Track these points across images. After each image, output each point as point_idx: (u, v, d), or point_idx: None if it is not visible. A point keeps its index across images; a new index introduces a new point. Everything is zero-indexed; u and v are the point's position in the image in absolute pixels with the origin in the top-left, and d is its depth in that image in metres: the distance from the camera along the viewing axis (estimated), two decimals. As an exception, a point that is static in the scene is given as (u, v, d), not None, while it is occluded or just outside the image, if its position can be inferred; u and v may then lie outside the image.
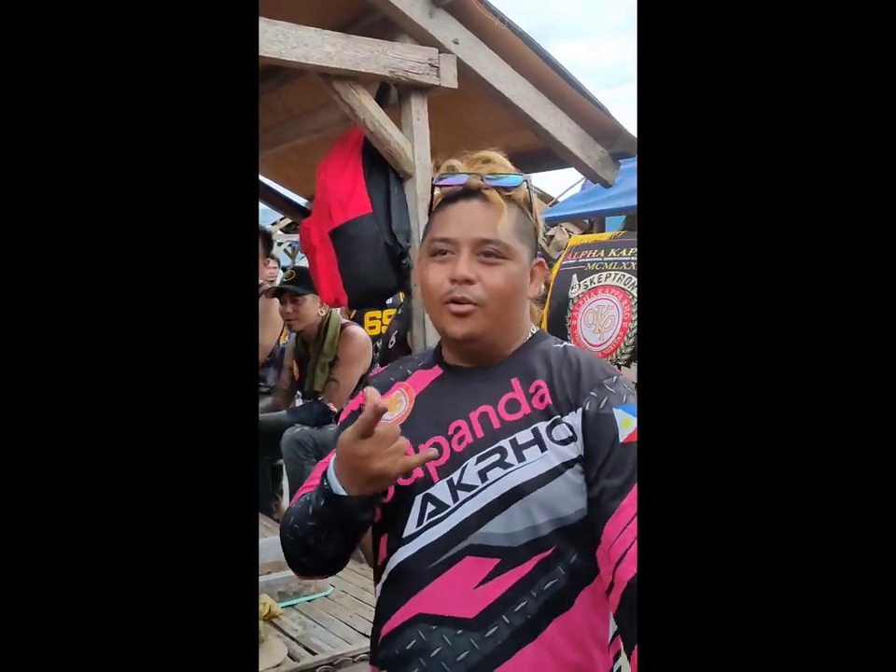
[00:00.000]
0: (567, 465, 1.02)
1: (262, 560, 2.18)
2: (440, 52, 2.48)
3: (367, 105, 2.39)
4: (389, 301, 3.75)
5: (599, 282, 4.30)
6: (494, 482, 1.02)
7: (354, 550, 1.15)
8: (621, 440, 1.02)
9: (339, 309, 3.48)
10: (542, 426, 1.05)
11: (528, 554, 1.01)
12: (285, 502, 3.93)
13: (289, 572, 2.28)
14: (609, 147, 2.98)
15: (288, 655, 1.90)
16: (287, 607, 2.17)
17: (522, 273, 1.10)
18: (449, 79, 2.49)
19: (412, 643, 1.03)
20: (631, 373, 4.13)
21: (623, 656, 1.03)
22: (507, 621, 1.00)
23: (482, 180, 1.10)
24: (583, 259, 4.47)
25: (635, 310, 4.12)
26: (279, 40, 2.16)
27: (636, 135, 2.91)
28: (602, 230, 6.00)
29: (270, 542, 2.05)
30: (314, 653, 1.91)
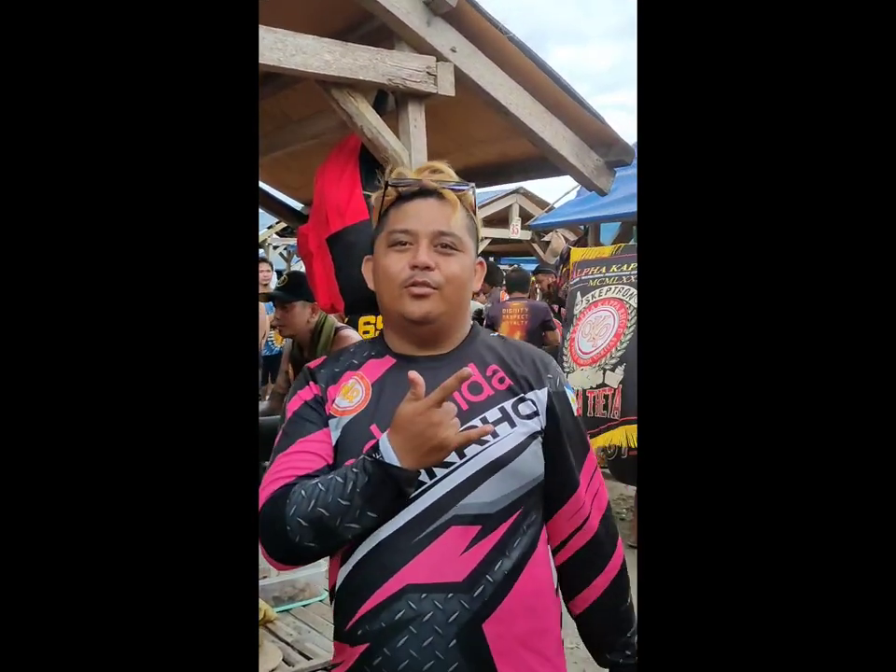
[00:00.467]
0: (533, 437, 1.18)
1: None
2: (437, 60, 2.50)
3: (364, 113, 2.40)
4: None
5: (600, 296, 4.45)
6: (472, 457, 1.14)
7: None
8: (574, 412, 1.25)
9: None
10: (508, 404, 1.19)
11: (503, 518, 1.14)
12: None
13: (285, 576, 2.29)
14: (605, 155, 2.99)
15: (283, 660, 1.90)
16: (282, 611, 2.18)
17: (471, 266, 1.24)
18: (446, 87, 2.50)
19: (401, 613, 1.10)
20: (616, 377, 4.20)
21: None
22: (490, 579, 1.11)
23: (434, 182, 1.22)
24: (586, 277, 4.62)
25: (630, 318, 4.18)
26: (278, 48, 2.17)
27: (631, 143, 2.92)
28: (597, 236, 6.03)
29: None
30: (308, 658, 1.92)
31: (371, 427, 1.17)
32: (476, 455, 1.13)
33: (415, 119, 2.51)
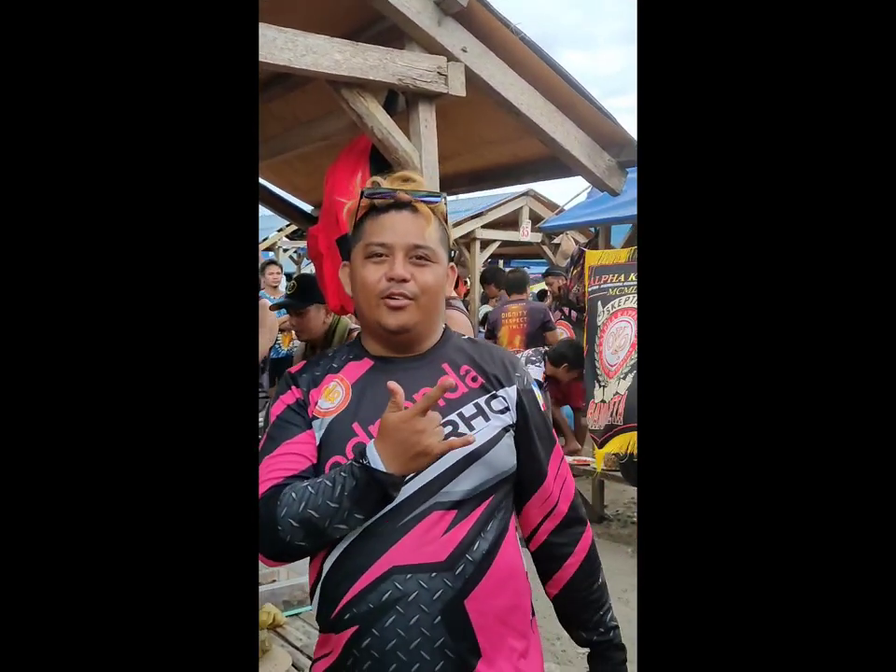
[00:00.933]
0: (505, 430, 1.26)
1: (268, 569, 2.17)
2: (448, 60, 2.48)
3: (375, 113, 2.39)
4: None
5: (619, 306, 4.46)
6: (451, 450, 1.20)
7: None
8: (541, 408, 1.33)
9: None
10: (482, 400, 1.27)
11: (478, 503, 1.21)
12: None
13: (295, 580, 2.28)
14: (617, 155, 2.97)
15: (293, 665, 1.88)
16: (291, 615, 2.16)
17: (443, 275, 1.30)
18: (457, 87, 2.49)
19: (387, 594, 1.15)
20: (626, 384, 4.22)
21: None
22: (470, 558, 1.18)
23: (408, 194, 1.27)
24: (605, 285, 4.61)
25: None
26: (288, 48, 2.16)
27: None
28: (608, 238, 6.00)
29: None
30: (318, 663, 1.90)
31: (353, 425, 1.23)
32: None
33: (426, 119, 2.49)
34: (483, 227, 9.02)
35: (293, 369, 1.37)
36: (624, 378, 4.28)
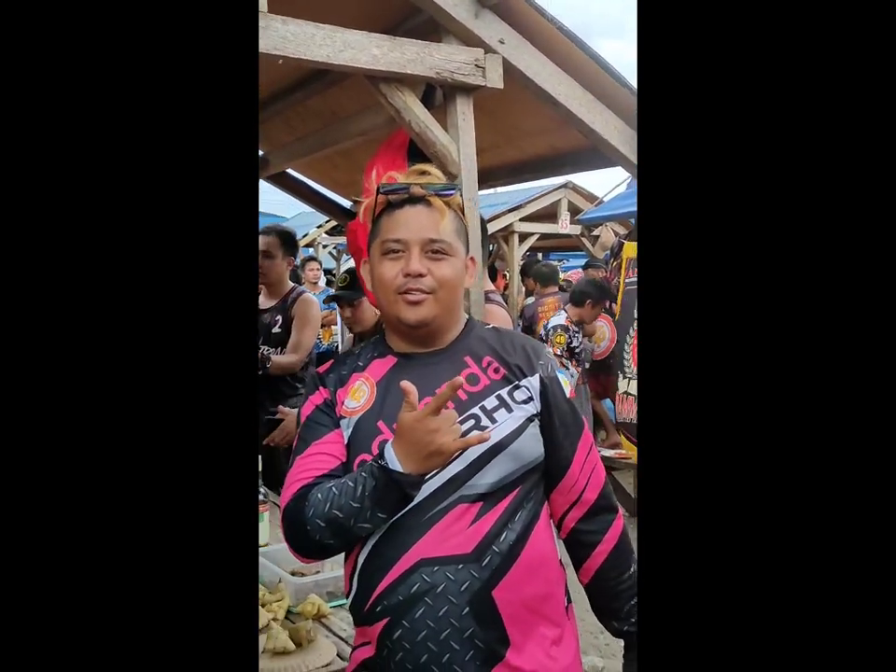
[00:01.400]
0: (529, 420, 1.27)
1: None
2: (485, 52, 2.47)
3: (412, 107, 2.40)
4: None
5: None
6: None
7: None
8: (567, 395, 1.33)
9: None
10: (504, 391, 1.27)
11: (505, 494, 1.22)
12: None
13: (339, 572, 2.30)
14: (657, 144, 2.93)
15: (337, 655, 1.90)
16: (335, 606, 2.18)
17: (461, 267, 1.30)
18: (495, 80, 2.48)
19: (416, 587, 1.18)
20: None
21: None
22: (496, 549, 1.20)
23: (422, 188, 1.28)
24: None
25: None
26: (326, 44, 2.18)
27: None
28: (648, 229, 5.90)
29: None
30: (362, 653, 1.91)
31: (378, 423, 1.25)
32: None
33: (464, 112, 2.49)
34: (522, 220, 8.98)
35: (321, 368, 1.40)
36: None
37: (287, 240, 3.83)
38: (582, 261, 9.24)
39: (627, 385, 4.41)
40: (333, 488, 1.20)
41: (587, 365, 5.37)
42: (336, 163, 3.98)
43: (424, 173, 1.31)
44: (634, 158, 2.89)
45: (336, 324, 6.79)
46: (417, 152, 2.51)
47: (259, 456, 2.38)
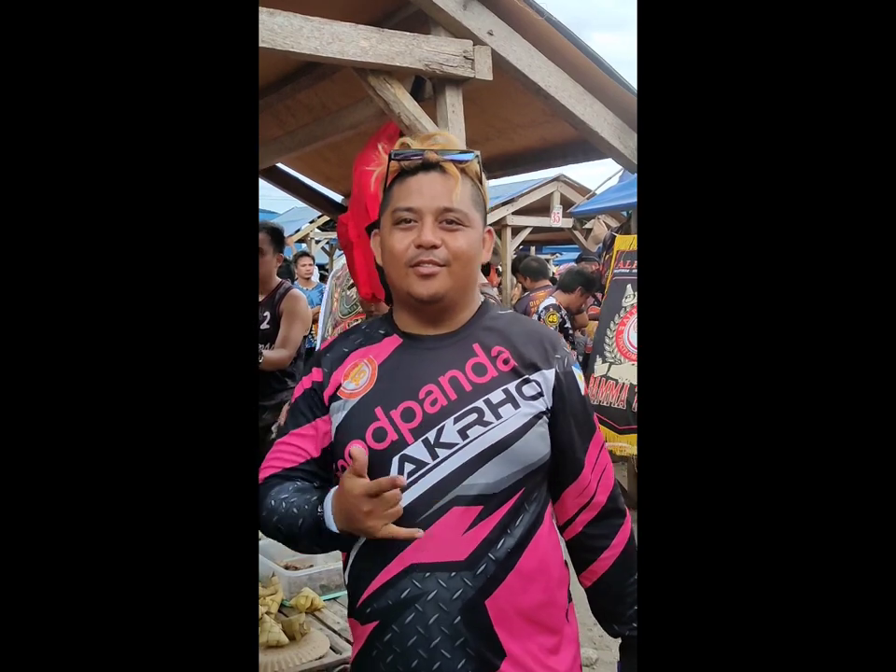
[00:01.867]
0: (537, 417, 1.18)
1: (304, 554, 2.20)
2: (474, 44, 2.47)
3: (402, 100, 2.39)
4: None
5: None
6: (475, 438, 1.14)
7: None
8: (582, 393, 1.25)
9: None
10: (512, 385, 1.18)
11: (505, 498, 1.15)
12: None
13: (332, 565, 2.31)
14: (648, 136, 2.93)
15: (331, 648, 1.90)
16: (329, 600, 2.18)
17: (478, 239, 1.20)
18: (484, 71, 2.47)
19: (406, 592, 1.13)
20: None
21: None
22: (492, 557, 1.13)
23: (437, 154, 1.18)
24: (636, 270, 4.54)
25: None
26: (315, 36, 2.17)
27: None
28: (641, 221, 5.91)
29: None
30: (356, 646, 1.92)
31: (376, 409, 1.17)
32: (478, 437, 1.14)
33: (453, 104, 2.48)
34: (514, 213, 8.97)
35: (324, 344, 1.32)
36: None
37: (277, 237, 3.85)
38: (575, 255, 9.25)
39: (608, 369, 4.43)
40: (283, 504, 1.18)
41: (580, 358, 5.38)
42: (328, 157, 3.98)
43: (439, 138, 1.22)
44: (624, 149, 2.89)
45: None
46: (407, 145, 2.51)
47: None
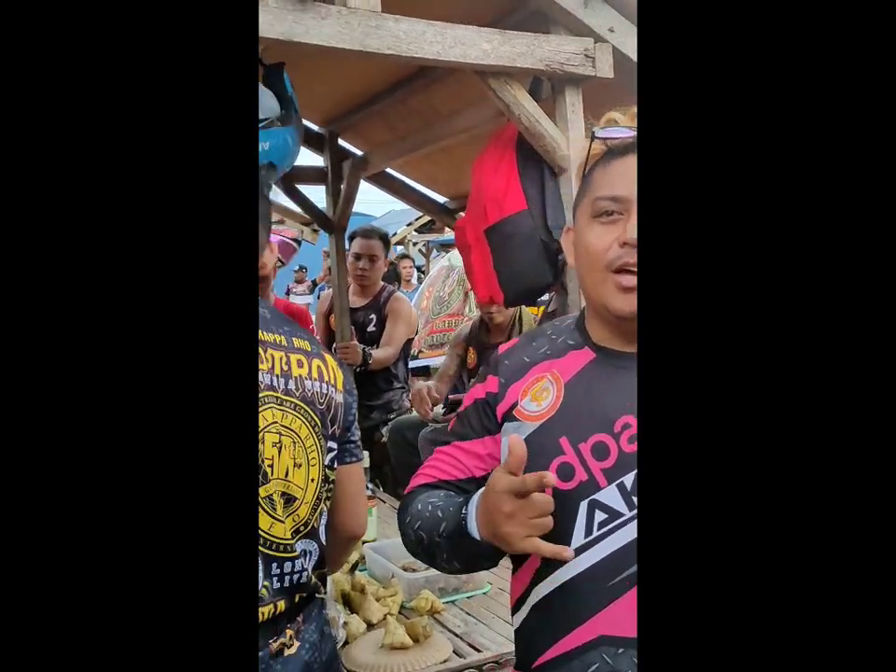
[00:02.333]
0: None
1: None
2: (595, 42, 2.42)
3: (522, 101, 2.37)
4: (544, 297, 3.73)
5: None
6: None
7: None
8: None
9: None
10: None
11: None
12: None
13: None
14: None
15: (454, 652, 1.90)
16: (447, 602, 2.19)
17: None
18: (605, 70, 2.42)
19: (594, 667, 0.96)
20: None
21: None
22: None
23: None
24: None
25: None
26: (437, 40, 2.17)
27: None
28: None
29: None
30: (478, 650, 1.91)
31: (561, 439, 0.99)
32: None
33: (573, 103, 2.44)
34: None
35: (503, 347, 1.14)
36: None
37: (387, 243, 4.04)
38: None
39: None
40: (430, 506, 1.03)
41: None
42: (437, 160, 3.98)
43: None
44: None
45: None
46: (526, 146, 2.48)
47: (368, 453, 2.41)
